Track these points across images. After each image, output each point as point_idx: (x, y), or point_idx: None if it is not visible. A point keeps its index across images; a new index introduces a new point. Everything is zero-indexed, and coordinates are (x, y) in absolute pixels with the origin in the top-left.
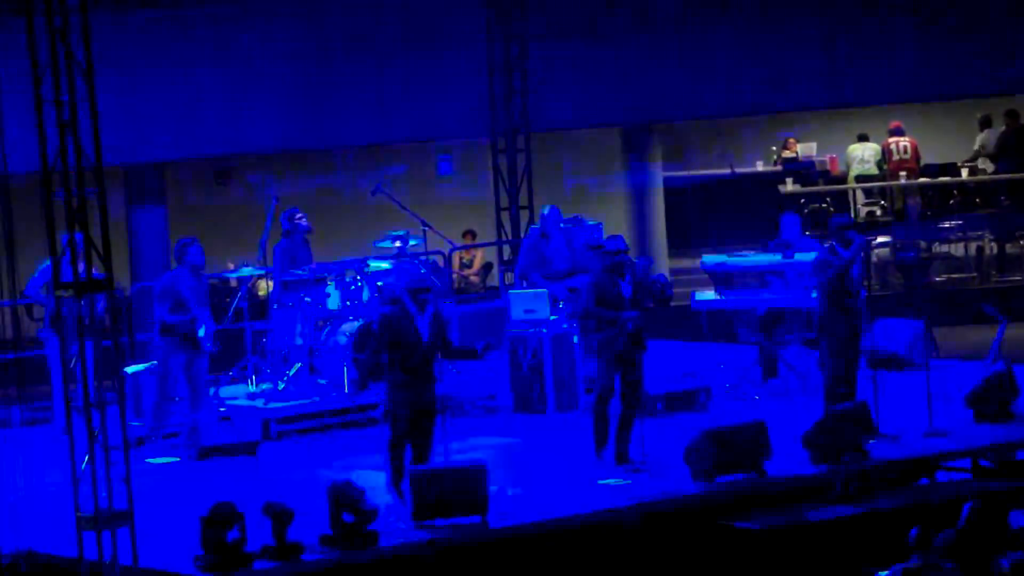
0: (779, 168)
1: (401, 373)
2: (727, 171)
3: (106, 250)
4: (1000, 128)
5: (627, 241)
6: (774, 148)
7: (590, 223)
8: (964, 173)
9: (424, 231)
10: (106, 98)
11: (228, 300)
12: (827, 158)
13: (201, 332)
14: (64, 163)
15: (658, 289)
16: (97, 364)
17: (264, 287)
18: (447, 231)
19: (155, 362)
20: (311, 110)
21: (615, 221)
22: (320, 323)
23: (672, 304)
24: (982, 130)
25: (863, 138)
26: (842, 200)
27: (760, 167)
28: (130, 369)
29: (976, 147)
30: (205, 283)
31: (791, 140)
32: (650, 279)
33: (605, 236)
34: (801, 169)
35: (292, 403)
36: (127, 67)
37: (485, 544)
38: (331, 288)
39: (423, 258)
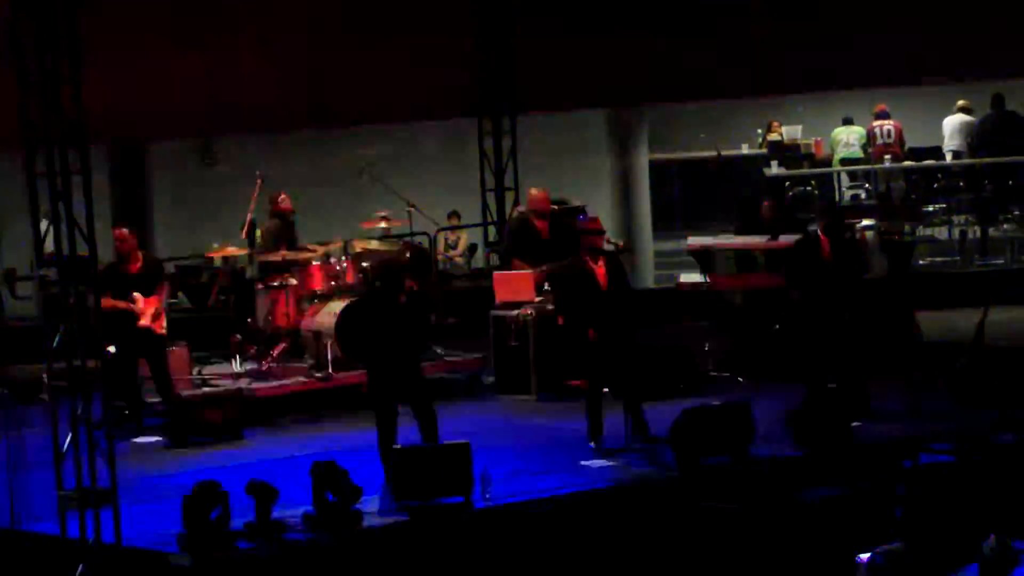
0: (764, 151)
1: (382, 354)
2: (713, 154)
3: (89, 229)
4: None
5: (611, 223)
6: (760, 131)
7: (575, 205)
8: (948, 157)
9: (409, 212)
10: (90, 74)
11: (211, 280)
12: (812, 141)
13: (145, 319)
14: (48, 141)
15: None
16: (80, 343)
17: (248, 267)
18: (432, 212)
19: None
20: (298, 89)
21: (601, 203)
22: (304, 303)
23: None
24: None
25: (848, 121)
26: (827, 183)
27: (745, 150)
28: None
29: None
30: (153, 267)
31: (775, 123)
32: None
33: (588, 218)
34: (786, 152)
35: (276, 383)
36: (112, 44)
37: (468, 524)
38: (315, 269)
39: (408, 239)
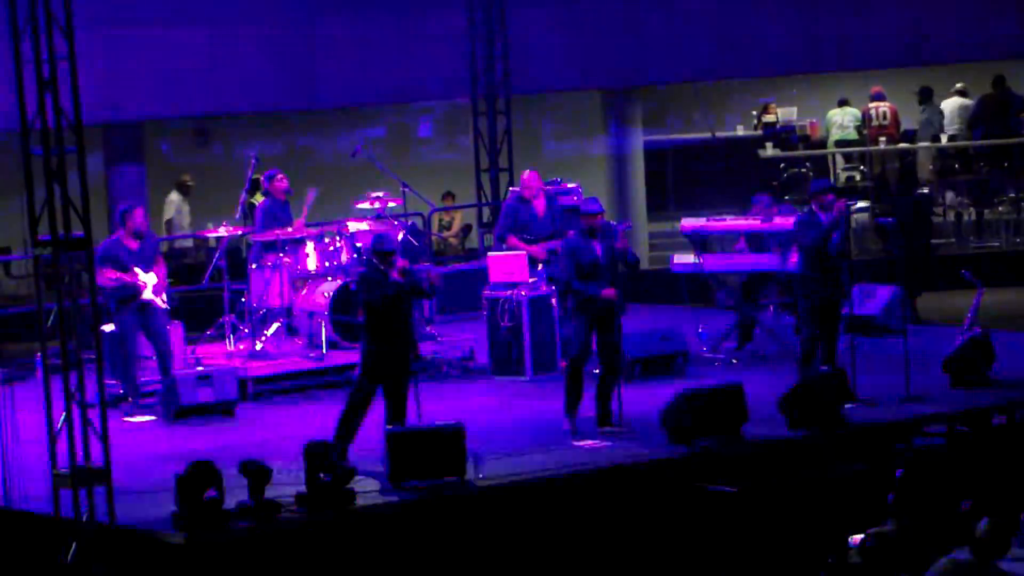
0: (759, 133)
1: (377, 332)
2: (708, 135)
3: (85, 209)
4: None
5: (605, 204)
6: (754, 112)
7: (570, 186)
8: (943, 139)
9: (404, 193)
10: (86, 57)
11: (206, 260)
12: (807, 123)
13: (147, 293)
14: (43, 122)
15: (626, 257)
16: (74, 322)
17: (243, 247)
18: (427, 193)
19: (113, 327)
20: (292, 70)
21: (595, 184)
22: (299, 283)
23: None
24: (922, 103)
25: (843, 103)
26: (822, 165)
27: (740, 131)
28: (107, 328)
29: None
30: (152, 245)
31: (771, 105)
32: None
33: (584, 199)
34: (781, 133)
35: (270, 363)
36: (107, 25)
37: (462, 505)
38: (310, 249)
39: (402, 219)
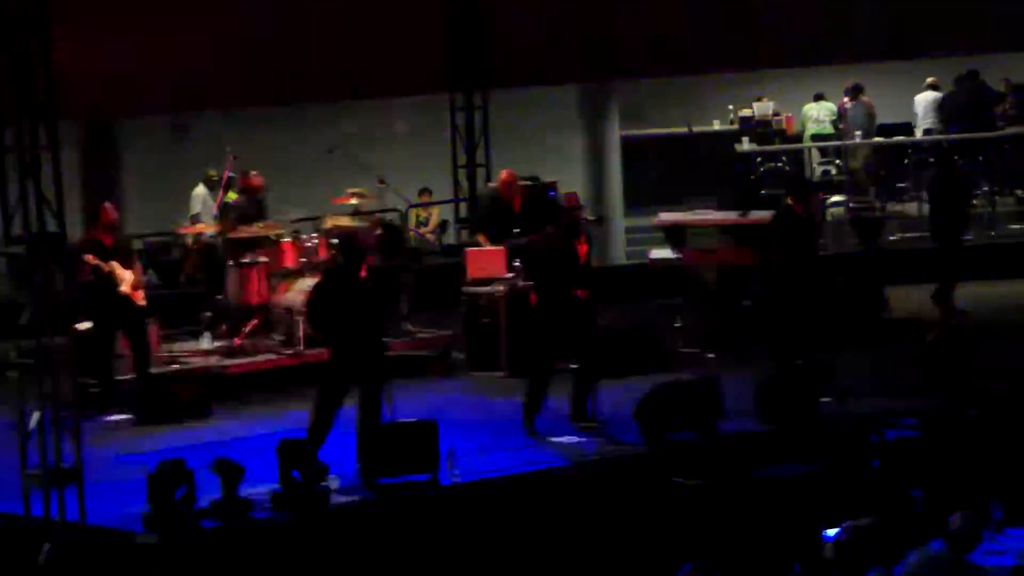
0: (735, 127)
1: (345, 332)
2: (684, 129)
3: (59, 205)
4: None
5: (581, 199)
6: (731, 107)
7: (547, 181)
8: (918, 133)
9: (380, 188)
10: (61, 51)
11: (182, 257)
12: (783, 117)
13: (124, 287)
14: (17, 117)
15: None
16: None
17: (218, 243)
18: (403, 189)
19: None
20: (269, 66)
21: (572, 179)
22: (275, 280)
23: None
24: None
25: (819, 97)
26: (798, 159)
27: (717, 126)
28: (83, 325)
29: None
30: (125, 243)
31: (764, 98)
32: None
33: (561, 194)
34: (758, 128)
35: (246, 360)
36: (82, 20)
37: (436, 501)
38: (288, 246)
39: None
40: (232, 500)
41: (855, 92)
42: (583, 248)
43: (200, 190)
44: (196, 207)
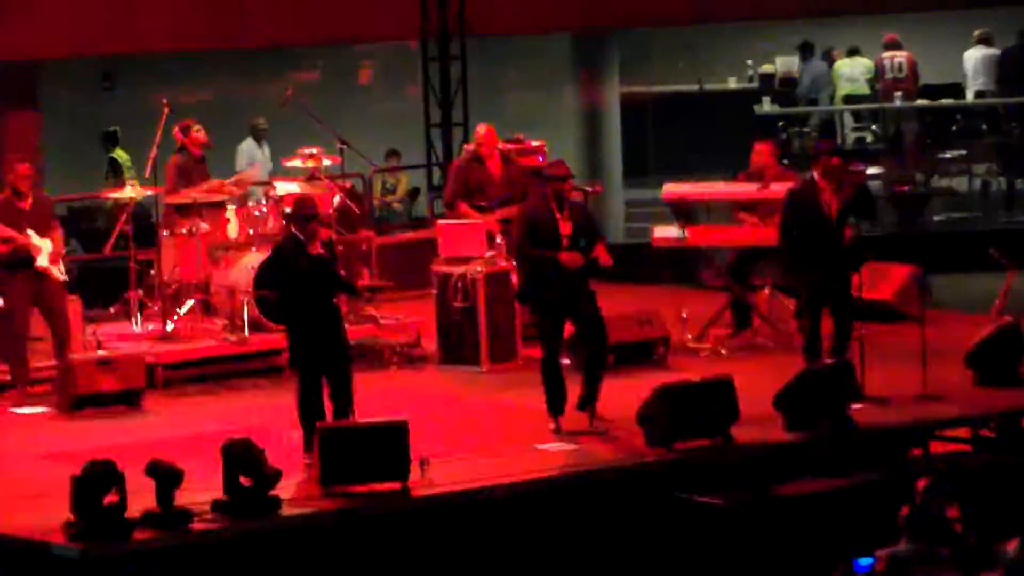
0: (754, 85)
1: (298, 314)
2: (694, 87)
3: None
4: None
5: (574, 167)
6: (749, 62)
7: (534, 144)
8: (969, 95)
9: (341, 149)
10: None
11: (108, 224)
12: None
13: (42, 260)
14: None
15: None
16: None
17: (153, 210)
18: (368, 150)
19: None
20: (212, 5)
21: (563, 143)
22: (218, 254)
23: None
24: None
25: (853, 52)
26: (827, 124)
27: (732, 84)
28: None
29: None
30: (46, 206)
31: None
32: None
33: (548, 160)
34: (780, 87)
35: (183, 346)
36: None
37: (405, 515)
38: (231, 214)
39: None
40: (169, 509)
41: (807, 52)
42: (566, 226)
43: (246, 144)
44: (241, 163)
